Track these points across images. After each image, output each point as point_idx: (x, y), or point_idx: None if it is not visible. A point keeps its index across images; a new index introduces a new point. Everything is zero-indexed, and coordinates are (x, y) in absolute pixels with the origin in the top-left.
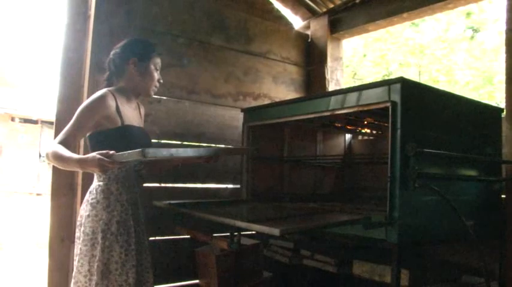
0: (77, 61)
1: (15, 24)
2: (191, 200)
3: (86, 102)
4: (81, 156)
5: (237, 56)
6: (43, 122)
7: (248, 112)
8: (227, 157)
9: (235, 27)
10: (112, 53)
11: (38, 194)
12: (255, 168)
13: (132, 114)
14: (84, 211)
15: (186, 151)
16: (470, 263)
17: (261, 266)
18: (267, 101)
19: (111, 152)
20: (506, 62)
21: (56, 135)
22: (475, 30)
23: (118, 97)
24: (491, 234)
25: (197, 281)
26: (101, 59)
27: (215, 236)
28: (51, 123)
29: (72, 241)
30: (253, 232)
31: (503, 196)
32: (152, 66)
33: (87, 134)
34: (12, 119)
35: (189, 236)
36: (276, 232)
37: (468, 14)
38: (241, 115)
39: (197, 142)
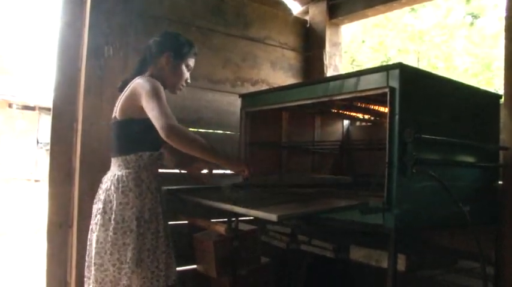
0: (74, 47)
1: (12, 10)
2: (189, 186)
3: (151, 86)
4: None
5: (235, 42)
6: (41, 108)
7: (246, 98)
8: (224, 143)
9: (233, 13)
10: (151, 40)
11: (36, 181)
12: (252, 153)
13: None
14: (110, 197)
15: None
16: (467, 248)
17: (259, 252)
18: (265, 87)
19: None
20: (505, 48)
21: (53, 121)
22: (475, 17)
23: None
24: (488, 220)
25: (195, 266)
26: (97, 45)
27: (213, 221)
28: (49, 109)
29: (69, 226)
30: (251, 218)
31: (500, 182)
32: (184, 66)
33: (121, 119)
34: (10, 106)
35: (187, 222)
36: (273, 217)
37: (468, 0)
38: (239, 101)
39: (195, 127)
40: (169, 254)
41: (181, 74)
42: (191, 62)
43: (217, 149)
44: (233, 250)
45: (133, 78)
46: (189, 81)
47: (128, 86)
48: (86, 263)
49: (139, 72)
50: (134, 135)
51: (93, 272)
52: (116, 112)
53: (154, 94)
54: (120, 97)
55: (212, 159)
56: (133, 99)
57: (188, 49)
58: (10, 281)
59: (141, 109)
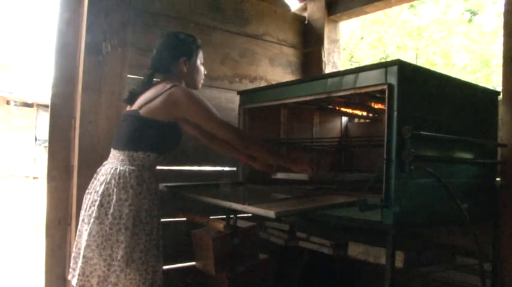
0: (72, 43)
1: (10, 7)
2: (188, 183)
3: (195, 94)
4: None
5: (233, 38)
6: (39, 105)
7: (244, 94)
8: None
9: (231, 9)
10: (155, 51)
11: (34, 178)
12: None
13: None
14: (109, 190)
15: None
16: (465, 244)
17: (257, 248)
18: (263, 83)
19: None
20: (504, 44)
21: (51, 118)
22: (473, 13)
23: None
24: (486, 216)
25: (194, 263)
26: (96, 41)
27: (212, 218)
28: (47, 106)
29: (68, 224)
30: (250, 215)
31: (497, 179)
32: (199, 61)
33: (144, 115)
34: (8, 103)
35: (186, 219)
36: (271, 214)
37: None
38: (237, 97)
39: None
40: (159, 258)
41: (200, 70)
42: (201, 54)
43: (279, 152)
44: (232, 246)
45: (144, 89)
46: (205, 72)
47: (162, 90)
48: (73, 254)
49: (149, 84)
50: (150, 134)
51: (80, 264)
52: (140, 108)
53: (213, 112)
54: (148, 95)
55: (278, 161)
56: (171, 106)
57: (195, 45)
58: (9, 277)
59: (171, 115)
